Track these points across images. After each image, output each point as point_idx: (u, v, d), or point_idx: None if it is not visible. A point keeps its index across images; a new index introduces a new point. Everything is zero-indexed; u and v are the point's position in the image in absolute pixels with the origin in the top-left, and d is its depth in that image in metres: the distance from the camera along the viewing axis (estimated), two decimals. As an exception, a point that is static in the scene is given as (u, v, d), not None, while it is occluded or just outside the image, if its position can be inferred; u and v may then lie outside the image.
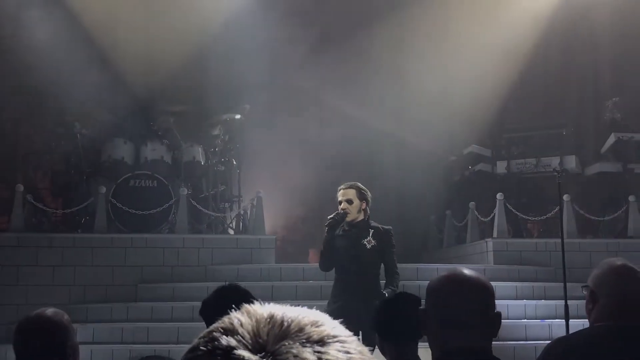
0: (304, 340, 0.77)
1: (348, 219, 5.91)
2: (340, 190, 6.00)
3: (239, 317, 0.81)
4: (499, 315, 2.12)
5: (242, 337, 0.78)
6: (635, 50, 13.24)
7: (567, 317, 6.86)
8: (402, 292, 3.43)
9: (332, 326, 0.81)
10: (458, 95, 12.92)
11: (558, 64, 13.35)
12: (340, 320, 0.83)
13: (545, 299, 9.06)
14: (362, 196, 5.96)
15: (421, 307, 2.17)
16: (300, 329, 0.79)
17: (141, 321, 8.47)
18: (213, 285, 3.74)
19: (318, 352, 0.77)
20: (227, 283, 3.61)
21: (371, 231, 5.91)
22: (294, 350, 0.76)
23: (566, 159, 10.92)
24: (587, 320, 2.69)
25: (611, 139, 11.06)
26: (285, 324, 0.79)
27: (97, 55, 11.76)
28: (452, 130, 12.99)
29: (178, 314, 8.30)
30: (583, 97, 13.84)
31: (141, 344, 8.02)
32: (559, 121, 12.08)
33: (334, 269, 6.07)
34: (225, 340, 0.78)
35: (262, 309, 0.82)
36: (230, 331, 0.79)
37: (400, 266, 10.91)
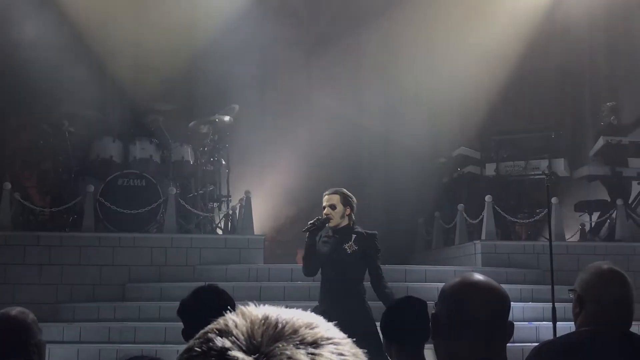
0: (297, 342, 0.78)
1: (331, 224, 5.95)
2: (324, 195, 6.05)
3: (233, 319, 0.82)
4: (512, 324, 2.06)
5: (236, 338, 0.79)
6: (625, 52, 13.30)
7: (554, 320, 6.88)
8: (409, 296, 3.47)
9: (326, 328, 0.82)
10: (447, 97, 12.95)
11: (547, 67, 13.39)
12: None
13: (532, 301, 9.08)
14: (346, 202, 5.99)
15: (433, 312, 2.09)
16: (295, 331, 0.79)
17: (128, 321, 8.45)
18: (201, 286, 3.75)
19: (312, 354, 0.78)
20: (206, 284, 3.64)
21: (354, 236, 5.94)
22: (288, 352, 0.77)
23: (555, 161, 10.96)
24: (574, 323, 2.70)
25: (600, 142, 11.11)
26: (280, 325, 0.80)
27: (87, 53, 11.73)
28: (441, 132, 13.01)
29: (165, 314, 8.27)
30: (573, 99, 13.89)
31: (128, 343, 8.00)
32: (548, 124, 12.12)
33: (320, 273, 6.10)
34: (220, 341, 0.79)
35: (256, 311, 0.83)
36: (225, 332, 0.80)
37: (389, 268, 10.89)
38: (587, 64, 13.77)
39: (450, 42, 13.09)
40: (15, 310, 2.89)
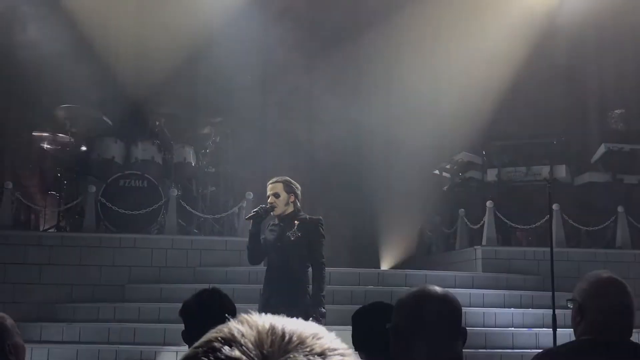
0: (307, 352, 0.77)
1: (276, 212, 6.03)
2: (268, 185, 6.13)
3: (239, 327, 0.80)
4: (464, 330, 2.20)
5: (246, 348, 0.77)
6: (628, 59, 13.27)
7: (554, 326, 6.87)
8: (377, 303, 3.30)
9: (331, 339, 0.81)
10: (449, 101, 12.94)
11: (552, 72, 13.36)
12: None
13: (532, 307, 9.07)
14: (289, 189, 6.06)
15: (389, 325, 2.21)
16: (302, 341, 0.78)
17: (128, 322, 8.44)
18: (201, 287, 3.76)
19: None
20: (210, 286, 3.65)
21: (297, 223, 5.97)
22: None
23: (556, 168, 10.95)
24: (574, 332, 2.69)
25: (601, 149, 11.10)
26: (287, 336, 0.79)
27: (89, 54, 11.73)
28: (443, 137, 13.00)
29: (165, 315, 8.27)
30: (578, 105, 13.86)
31: (128, 344, 7.99)
32: (550, 130, 12.11)
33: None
34: (228, 350, 0.77)
35: (261, 320, 0.81)
36: (232, 341, 0.78)
37: (388, 272, 10.87)
38: (593, 68, 13.74)
39: (454, 46, 13.08)
40: None
